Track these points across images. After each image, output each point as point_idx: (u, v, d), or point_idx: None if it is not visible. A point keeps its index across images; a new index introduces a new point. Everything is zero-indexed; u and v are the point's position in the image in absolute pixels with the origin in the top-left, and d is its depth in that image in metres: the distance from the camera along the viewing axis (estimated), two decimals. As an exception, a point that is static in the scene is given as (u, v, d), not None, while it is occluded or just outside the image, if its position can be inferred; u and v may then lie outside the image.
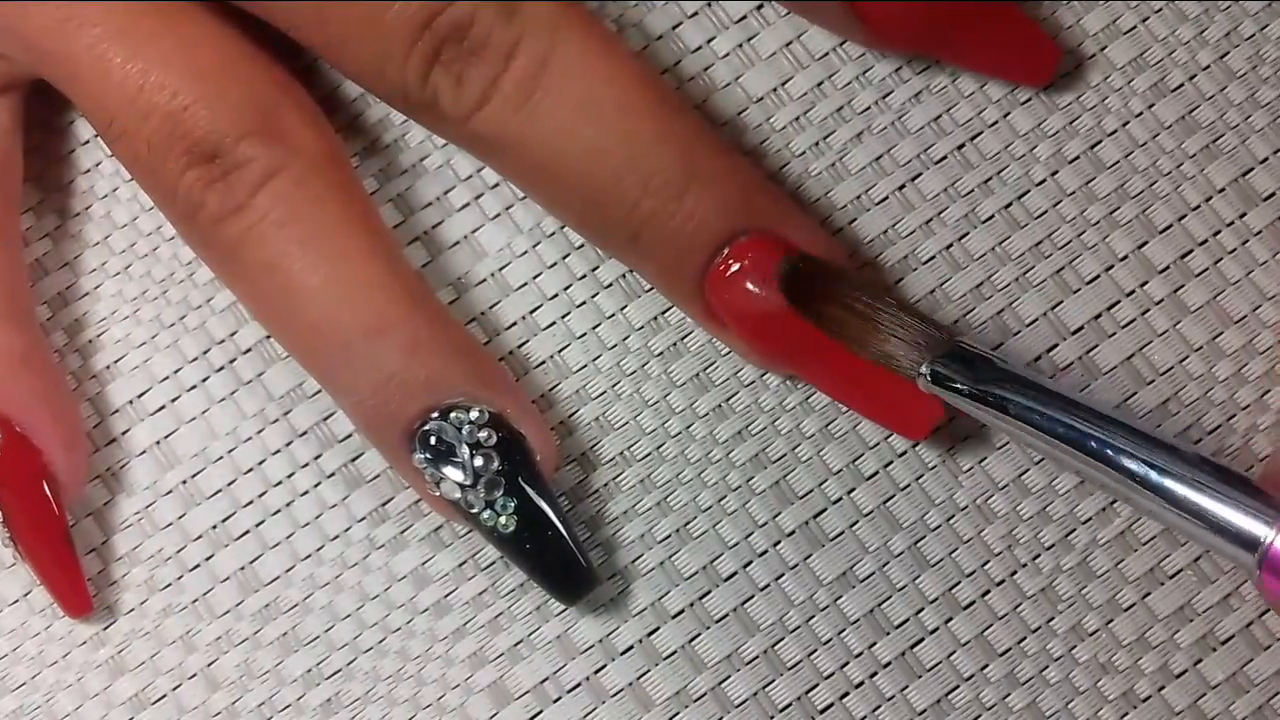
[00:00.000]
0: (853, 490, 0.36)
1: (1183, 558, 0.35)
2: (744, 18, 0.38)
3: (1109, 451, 0.32)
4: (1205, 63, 0.37)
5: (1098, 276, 0.36)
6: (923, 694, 0.35)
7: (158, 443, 0.37)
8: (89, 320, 0.38)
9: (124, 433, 0.37)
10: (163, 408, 0.37)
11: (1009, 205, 0.37)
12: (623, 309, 0.37)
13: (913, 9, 0.35)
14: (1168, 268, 0.36)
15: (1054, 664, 0.35)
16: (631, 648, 0.36)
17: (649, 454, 0.36)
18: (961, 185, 0.37)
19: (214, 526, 0.37)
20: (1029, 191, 0.37)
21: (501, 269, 0.37)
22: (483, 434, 0.34)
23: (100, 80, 0.33)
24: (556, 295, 0.37)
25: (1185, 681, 0.35)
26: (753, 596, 0.36)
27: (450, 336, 0.34)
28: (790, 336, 0.34)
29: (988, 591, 0.36)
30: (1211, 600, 0.35)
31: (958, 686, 0.35)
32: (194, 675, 0.36)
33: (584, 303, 0.37)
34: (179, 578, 0.36)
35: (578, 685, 0.36)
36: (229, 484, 0.37)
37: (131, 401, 0.37)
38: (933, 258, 0.37)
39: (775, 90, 0.37)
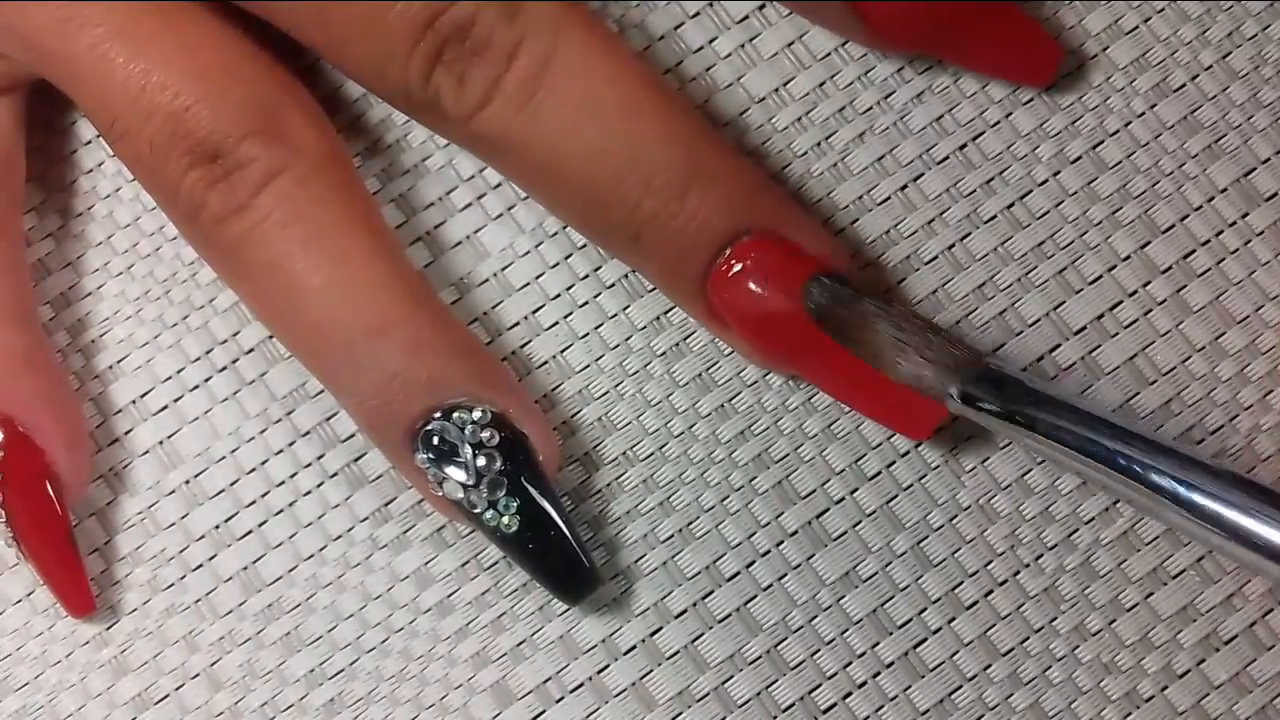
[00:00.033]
0: (855, 490, 0.36)
1: (1186, 558, 0.35)
2: (746, 18, 0.38)
3: (1138, 469, 0.32)
4: (1207, 63, 0.37)
5: (1100, 276, 0.36)
6: (926, 694, 0.35)
7: (160, 443, 0.37)
8: (92, 320, 0.38)
9: (127, 433, 0.37)
10: (165, 408, 0.37)
11: (1011, 205, 0.37)
12: (625, 309, 0.37)
13: (914, 9, 0.35)
14: (1170, 268, 0.36)
15: (1057, 664, 0.35)
16: (634, 648, 0.36)
17: (652, 454, 0.36)
18: (964, 185, 0.37)
19: (217, 526, 0.37)
20: (1031, 191, 0.37)
21: (504, 269, 0.37)
22: (485, 434, 0.34)
23: (102, 80, 0.33)
24: (559, 295, 0.37)
25: (1188, 681, 0.35)
26: (755, 596, 0.36)
27: (452, 336, 0.34)
28: (793, 337, 0.34)
29: (991, 591, 0.36)
30: (1215, 600, 0.35)
31: (961, 686, 0.35)
32: (197, 675, 0.36)
33: (586, 303, 0.37)
34: (182, 578, 0.37)
35: (580, 685, 0.36)
36: (232, 484, 0.37)
37: (134, 401, 0.37)
38: (935, 258, 0.37)
39: (777, 90, 0.37)
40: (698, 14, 0.38)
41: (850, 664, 0.35)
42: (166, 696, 0.36)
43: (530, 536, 0.34)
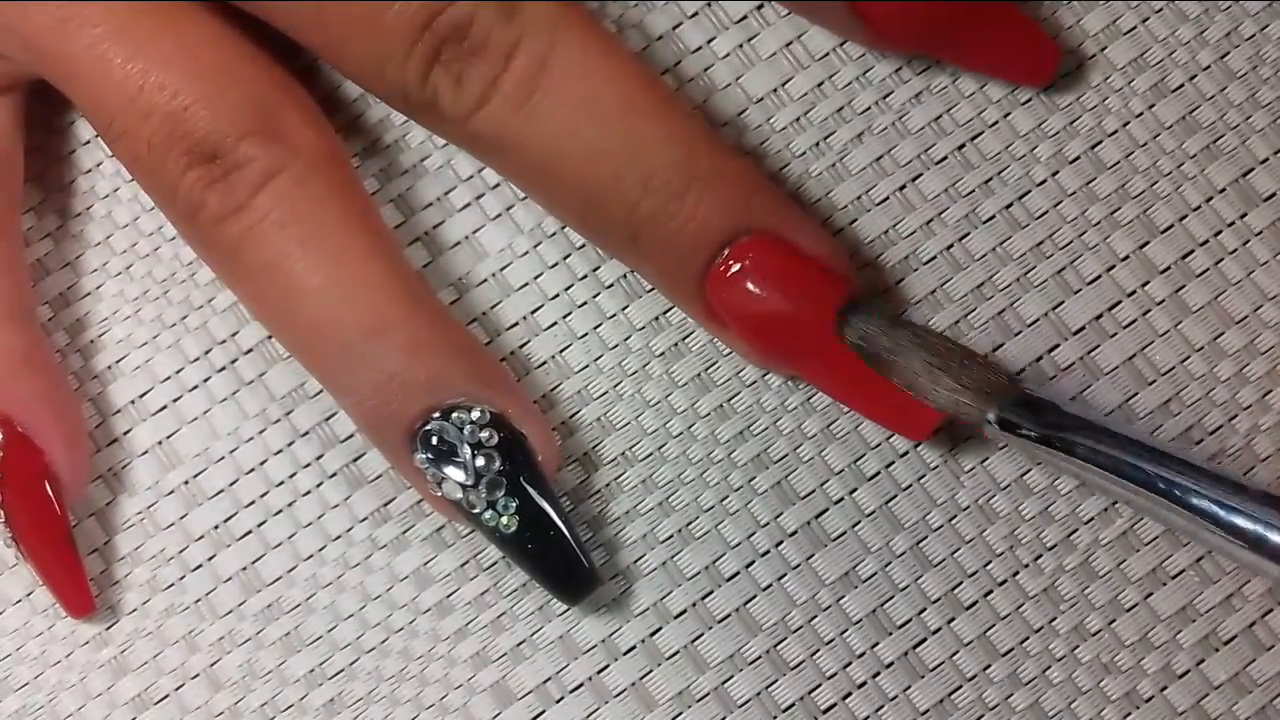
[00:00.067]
0: (855, 490, 0.36)
1: (1185, 558, 0.35)
2: (744, 18, 0.38)
3: (1178, 492, 0.33)
4: (1206, 63, 0.37)
5: (1099, 277, 0.37)
6: (925, 694, 0.35)
7: (159, 443, 0.37)
8: (90, 320, 0.38)
9: (126, 433, 0.37)
10: (164, 408, 0.37)
11: (1010, 205, 0.37)
12: (624, 309, 0.37)
13: (914, 9, 0.35)
14: (1169, 268, 0.37)
15: (1057, 664, 0.35)
16: (634, 648, 0.36)
17: (651, 454, 0.36)
18: (962, 185, 0.37)
19: (216, 527, 0.37)
20: (1030, 192, 0.37)
21: (502, 269, 0.37)
22: (484, 434, 0.34)
23: (100, 80, 0.33)
24: (558, 295, 0.37)
25: (1188, 682, 0.35)
26: (755, 596, 0.36)
27: (451, 337, 0.34)
28: (791, 337, 0.34)
29: (990, 591, 0.36)
30: (1214, 600, 0.35)
31: (960, 686, 0.35)
32: (197, 675, 0.36)
33: (585, 303, 0.37)
34: (181, 578, 0.36)
35: (580, 685, 0.36)
36: (231, 484, 0.37)
37: (133, 401, 0.37)
38: (934, 258, 0.37)
39: (775, 91, 0.37)
40: (696, 14, 0.38)
41: (850, 664, 0.35)
42: (166, 697, 0.36)
43: (529, 537, 0.34)
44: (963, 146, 0.37)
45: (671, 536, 0.36)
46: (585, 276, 0.37)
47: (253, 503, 0.37)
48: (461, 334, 0.35)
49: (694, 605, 0.36)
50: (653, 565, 0.36)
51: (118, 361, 0.37)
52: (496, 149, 0.34)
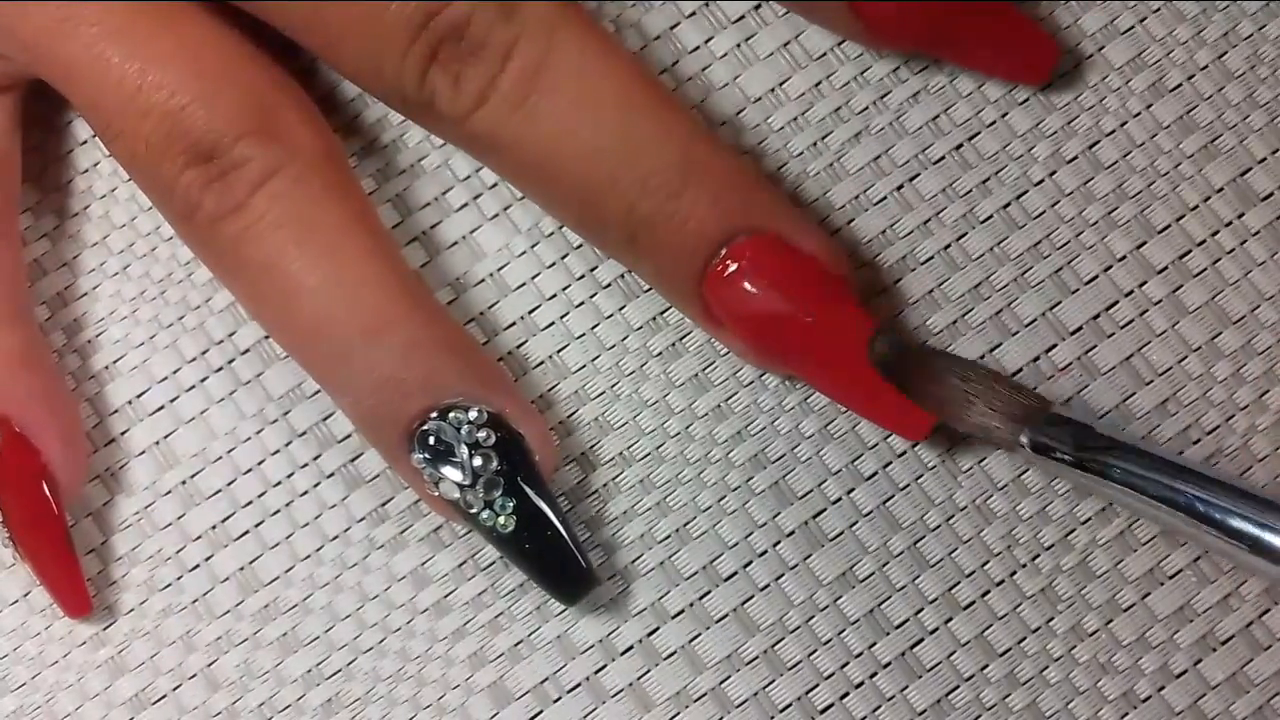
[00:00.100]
0: (852, 490, 0.36)
1: (1182, 558, 0.35)
2: (742, 18, 0.38)
3: (1217, 515, 0.33)
4: (1203, 63, 0.37)
5: (1096, 277, 0.37)
6: (923, 694, 0.35)
7: (157, 443, 0.37)
8: (87, 320, 0.38)
9: (123, 433, 0.37)
10: (161, 408, 0.37)
11: (1007, 205, 0.37)
12: (621, 309, 0.37)
13: (912, 8, 0.35)
14: (1166, 268, 0.36)
15: (1054, 664, 0.35)
16: (631, 648, 0.36)
17: (648, 454, 0.36)
18: (959, 185, 0.37)
19: (213, 527, 0.37)
20: (1027, 192, 0.37)
21: (500, 269, 0.37)
22: (481, 434, 0.34)
23: (98, 80, 0.33)
24: (555, 295, 0.37)
25: (1185, 682, 0.35)
26: (752, 596, 0.36)
27: (449, 336, 0.34)
28: (789, 337, 0.34)
29: (987, 592, 0.36)
30: (1211, 600, 0.35)
31: (958, 687, 0.35)
32: (194, 675, 0.36)
33: (583, 303, 0.37)
34: (178, 578, 0.36)
35: (578, 685, 0.36)
36: (228, 484, 0.37)
37: (130, 402, 0.37)
38: (931, 258, 0.37)
39: (773, 90, 0.37)
40: (694, 14, 0.38)
41: (847, 664, 0.35)
42: (164, 697, 0.36)
43: (527, 537, 0.34)
44: (960, 146, 0.37)
45: (669, 536, 0.36)
46: (583, 276, 0.37)
47: (250, 503, 0.37)
48: (459, 334, 0.35)
49: (691, 605, 0.36)
50: (650, 565, 0.36)
51: (115, 361, 0.37)
52: (494, 149, 0.34)
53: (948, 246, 0.37)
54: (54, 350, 0.37)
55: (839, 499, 0.36)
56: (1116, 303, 0.36)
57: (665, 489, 0.36)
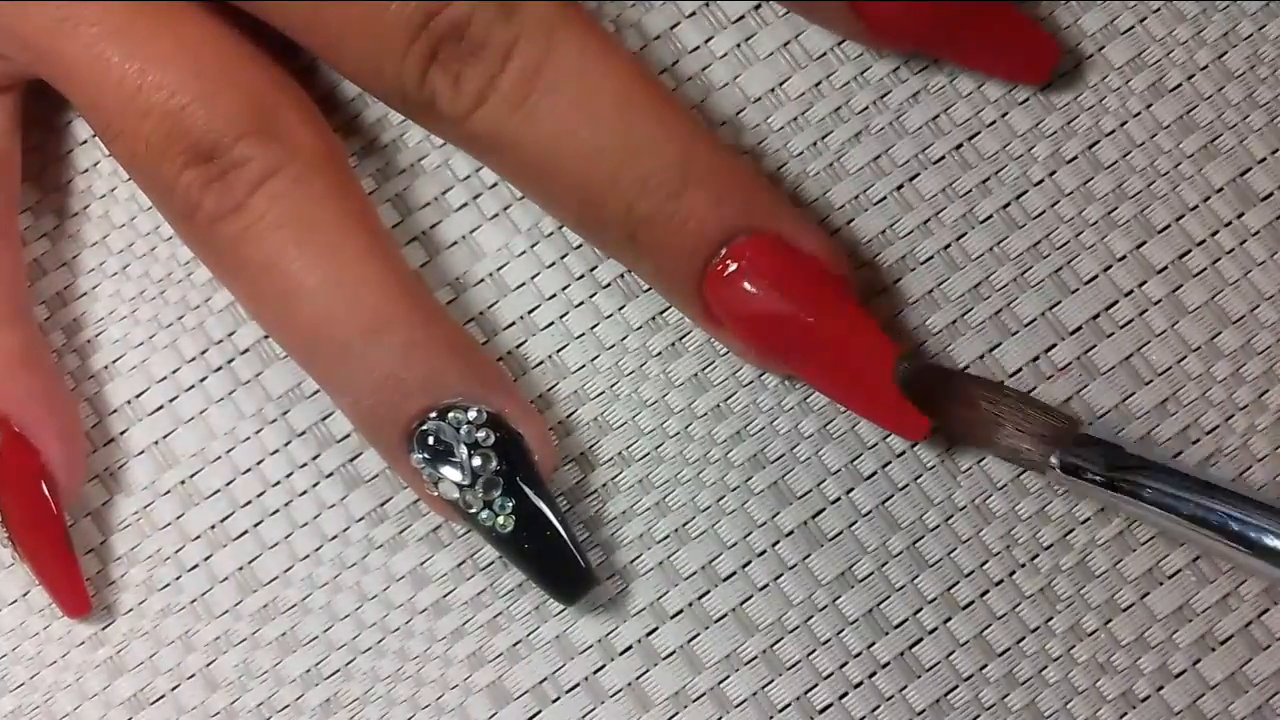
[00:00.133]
0: (851, 490, 0.36)
1: (1181, 558, 0.35)
2: (742, 18, 0.38)
3: (1252, 534, 0.33)
4: (1203, 63, 0.37)
5: (1096, 276, 0.36)
6: (922, 694, 0.35)
7: (156, 443, 0.37)
8: (87, 320, 0.38)
9: (122, 433, 0.37)
10: (161, 408, 0.37)
11: (1007, 205, 0.37)
12: (621, 309, 0.37)
13: (913, 8, 0.35)
14: (1166, 268, 0.36)
15: (1053, 664, 0.35)
16: (630, 648, 0.36)
17: (647, 454, 0.36)
18: (959, 185, 0.37)
19: (212, 526, 0.37)
20: (1027, 192, 0.37)
21: (499, 269, 0.37)
22: (481, 434, 0.34)
23: (98, 79, 0.33)
24: (554, 295, 0.37)
25: (1184, 681, 0.35)
26: (751, 596, 0.36)
27: (448, 336, 0.34)
28: (788, 337, 0.34)
29: (986, 591, 0.36)
30: (1210, 600, 0.35)
31: (956, 686, 0.35)
32: (193, 675, 0.36)
33: (582, 303, 0.37)
34: (177, 578, 0.36)
35: (576, 685, 0.36)
36: (227, 484, 0.37)
37: (129, 401, 0.37)
38: (931, 258, 0.37)
39: (773, 90, 0.37)
40: (694, 14, 0.38)
41: (846, 664, 0.35)
42: (162, 697, 0.36)
43: (526, 536, 0.34)
44: (960, 146, 0.37)
45: (668, 536, 0.36)
46: (582, 276, 0.37)
47: (249, 502, 0.37)
48: (458, 334, 0.35)
49: (690, 605, 0.36)
50: (649, 565, 0.36)
51: (114, 361, 0.37)
52: (494, 148, 0.34)
53: (947, 246, 0.37)
54: (53, 350, 0.37)
55: (838, 499, 0.36)
56: (1116, 302, 0.36)
57: (664, 489, 0.36)
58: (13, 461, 0.35)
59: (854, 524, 0.36)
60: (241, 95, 0.34)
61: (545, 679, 0.36)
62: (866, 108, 0.37)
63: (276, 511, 0.37)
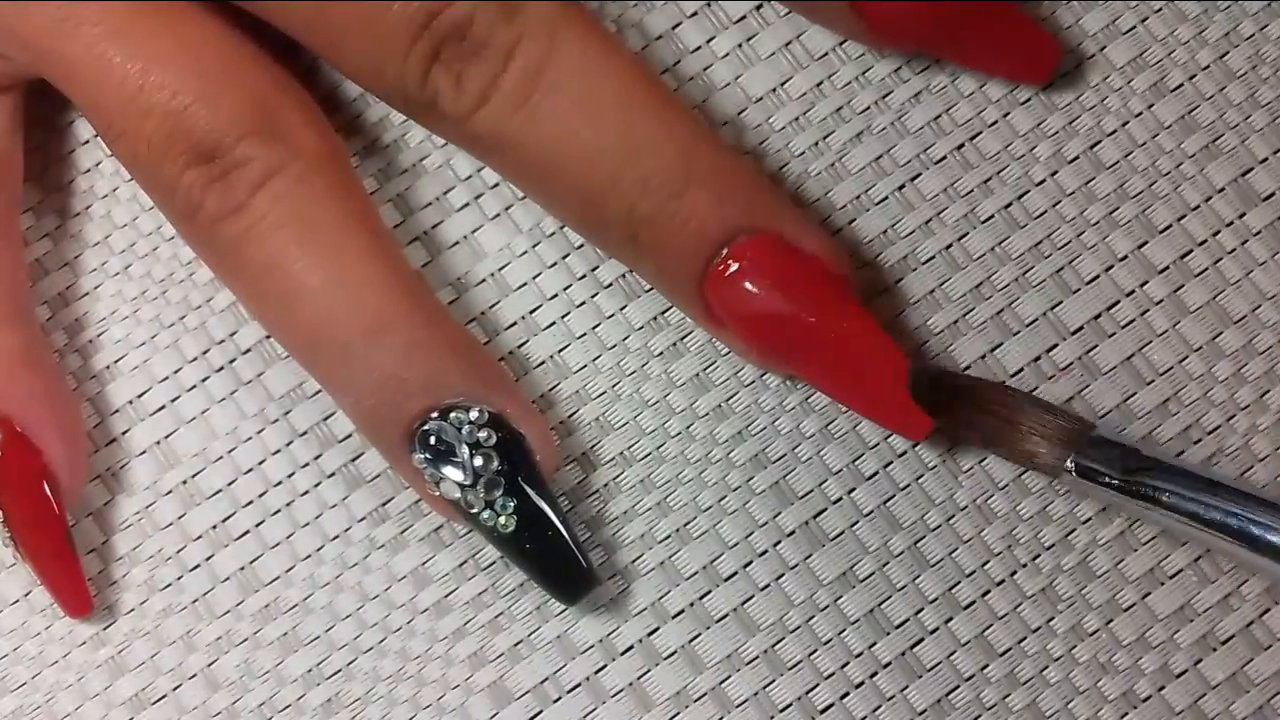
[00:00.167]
0: (853, 490, 0.36)
1: (1183, 558, 0.35)
2: (743, 18, 0.38)
3: (1272, 537, 0.32)
4: (1205, 63, 0.37)
5: (1097, 276, 0.36)
6: (923, 694, 0.35)
7: (158, 443, 0.37)
8: (89, 320, 0.38)
9: (124, 433, 0.37)
10: (162, 408, 0.37)
11: (1008, 205, 0.37)
12: (623, 309, 0.37)
13: (915, 8, 0.35)
14: (1167, 268, 0.36)
15: (1054, 664, 0.35)
16: (632, 648, 0.36)
17: (649, 454, 0.36)
18: (961, 185, 0.37)
19: (214, 526, 0.37)
20: (1028, 191, 0.37)
21: (501, 269, 0.37)
22: (482, 434, 0.34)
23: (99, 79, 0.33)
24: (556, 295, 0.37)
25: (1185, 681, 0.35)
26: (753, 596, 0.36)
27: (450, 336, 0.34)
28: (790, 337, 0.34)
29: (988, 591, 0.36)
30: (1211, 600, 0.35)
31: (958, 686, 0.35)
32: (194, 675, 0.36)
33: (584, 303, 0.37)
34: (179, 578, 0.37)
35: (578, 685, 0.36)
36: (229, 484, 0.37)
37: (131, 401, 0.37)
38: (932, 258, 0.37)
39: (775, 90, 0.37)
40: (695, 14, 0.38)
41: (847, 664, 0.35)
42: (164, 697, 0.36)
43: (527, 536, 0.34)
44: (962, 146, 0.37)
45: (669, 536, 0.36)
46: (584, 276, 0.37)
47: (251, 502, 0.37)
48: (460, 334, 0.35)
49: (692, 605, 0.36)
50: (650, 565, 0.36)
51: (116, 361, 0.37)
52: (496, 148, 0.34)
53: (949, 246, 0.37)
54: (55, 350, 0.37)
55: (839, 499, 0.36)
56: (1118, 302, 0.36)
57: (666, 489, 0.36)
58: (15, 461, 0.35)
59: (855, 524, 0.36)
60: (243, 95, 0.34)
61: (547, 679, 0.36)
62: (868, 108, 0.37)
63: (278, 511, 0.37)
